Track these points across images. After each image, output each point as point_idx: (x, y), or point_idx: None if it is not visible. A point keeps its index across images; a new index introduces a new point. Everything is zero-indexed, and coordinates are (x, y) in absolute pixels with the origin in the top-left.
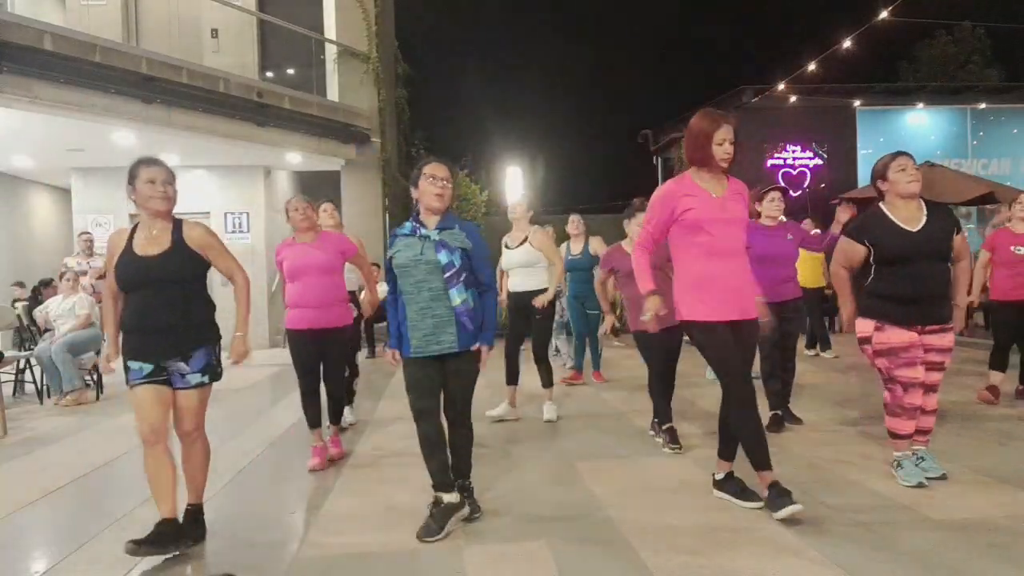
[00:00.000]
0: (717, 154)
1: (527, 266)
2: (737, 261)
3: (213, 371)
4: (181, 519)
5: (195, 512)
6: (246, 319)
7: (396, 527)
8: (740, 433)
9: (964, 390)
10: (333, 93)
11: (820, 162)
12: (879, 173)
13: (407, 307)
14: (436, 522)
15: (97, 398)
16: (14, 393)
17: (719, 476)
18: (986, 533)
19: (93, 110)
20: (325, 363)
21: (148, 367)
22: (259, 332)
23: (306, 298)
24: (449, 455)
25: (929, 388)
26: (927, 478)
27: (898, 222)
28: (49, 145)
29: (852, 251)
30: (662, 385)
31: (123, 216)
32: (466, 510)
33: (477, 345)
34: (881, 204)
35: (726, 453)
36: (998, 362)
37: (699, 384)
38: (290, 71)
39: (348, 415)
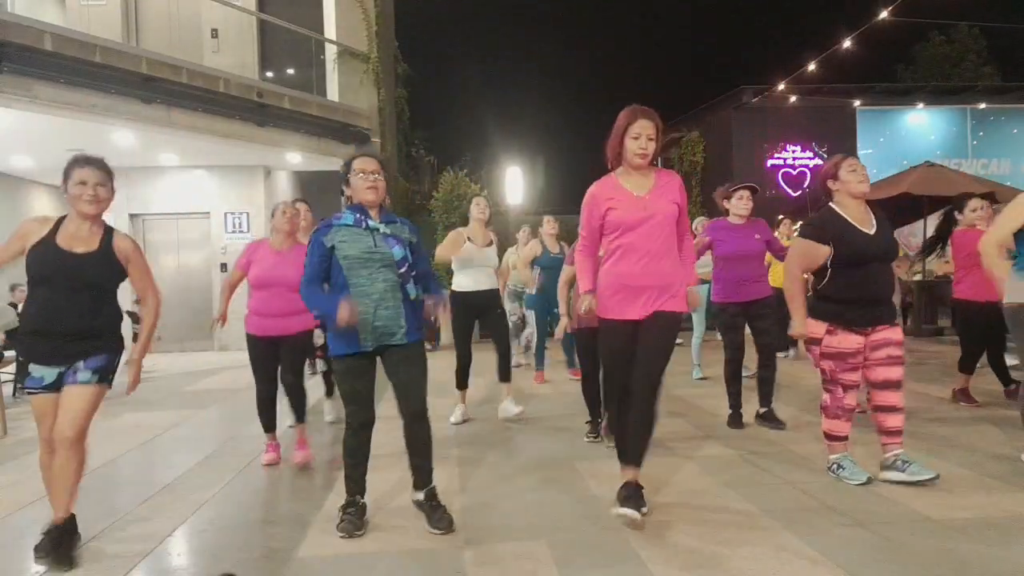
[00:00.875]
0: (631, 148)
1: (489, 267)
2: (658, 262)
3: (105, 375)
4: (52, 535)
5: (66, 527)
6: (146, 344)
7: (395, 527)
8: (614, 425)
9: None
10: (333, 93)
11: (820, 162)
12: (829, 173)
13: (356, 300)
14: (358, 519)
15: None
16: (14, 393)
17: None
18: (986, 533)
19: (93, 110)
20: (283, 361)
21: (51, 375)
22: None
23: (271, 308)
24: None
25: (894, 384)
26: (918, 481)
27: (855, 224)
28: (49, 145)
29: (815, 253)
30: (593, 385)
31: (123, 216)
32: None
33: (433, 301)
34: (832, 205)
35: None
36: (967, 365)
37: (693, 385)
38: (290, 71)
39: (328, 411)
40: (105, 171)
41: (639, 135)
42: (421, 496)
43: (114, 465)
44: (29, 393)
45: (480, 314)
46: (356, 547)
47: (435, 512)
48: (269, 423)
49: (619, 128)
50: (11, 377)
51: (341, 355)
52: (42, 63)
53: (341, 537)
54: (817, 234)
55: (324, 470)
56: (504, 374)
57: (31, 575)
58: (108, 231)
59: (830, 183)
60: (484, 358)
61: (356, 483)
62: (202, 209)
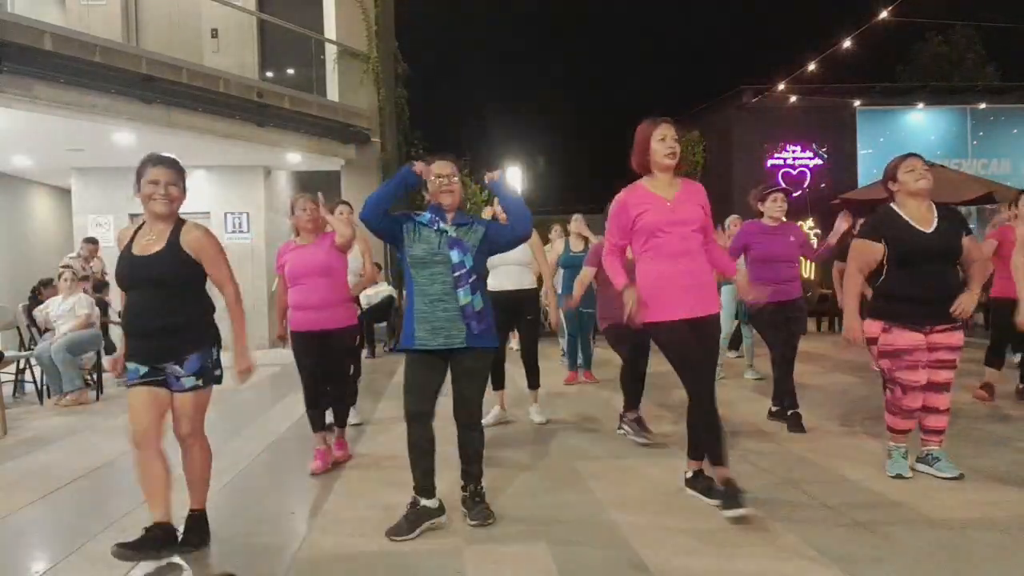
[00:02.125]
0: (660, 150)
1: (522, 264)
2: (691, 261)
3: (208, 374)
4: (183, 525)
5: (196, 518)
6: (242, 334)
7: None
8: (698, 428)
9: (964, 390)
10: (333, 93)
11: (820, 162)
12: (889, 175)
13: (416, 298)
14: (408, 523)
15: (97, 398)
16: (14, 393)
17: (688, 474)
18: (986, 533)
19: (93, 110)
20: (328, 364)
21: (143, 368)
22: (260, 333)
23: (309, 300)
24: (459, 461)
25: (940, 387)
26: (942, 477)
27: (912, 222)
28: (49, 145)
29: (870, 251)
30: (633, 376)
31: (123, 216)
32: (443, 518)
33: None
34: (892, 204)
35: (694, 452)
36: (993, 359)
37: None
38: (290, 71)
39: (352, 415)
40: (177, 170)
41: (664, 137)
42: (467, 493)
43: (114, 465)
44: (128, 386)
45: (513, 317)
46: (356, 547)
47: (476, 507)
48: (318, 421)
49: (643, 136)
50: (11, 377)
51: (406, 348)
52: (42, 63)
53: (387, 536)
54: (871, 233)
55: (329, 472)
56: (531, 382)
57: (31, 575)
58: (178, 226)
59: (890, 185)
60: (515, 360)
61: (417, 481)
62: (202, 209)
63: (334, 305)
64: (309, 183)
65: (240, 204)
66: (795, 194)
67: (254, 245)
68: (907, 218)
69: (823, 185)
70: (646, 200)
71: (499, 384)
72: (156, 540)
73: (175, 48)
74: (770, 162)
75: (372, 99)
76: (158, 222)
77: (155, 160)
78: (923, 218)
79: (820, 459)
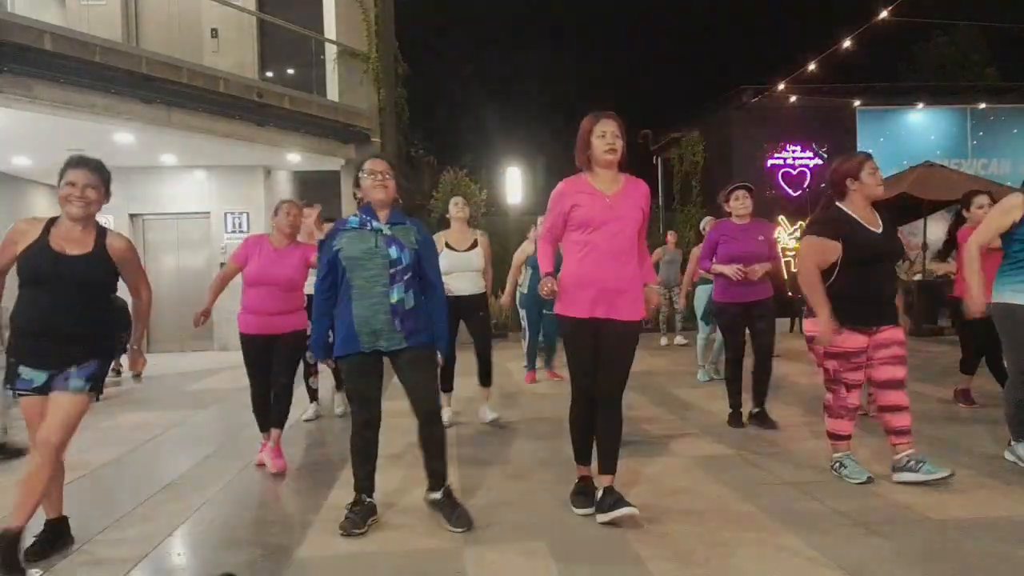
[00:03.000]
0: (599, 146)
1: (475, 270)
2: (616, 260)
3: (97, 383)
4: (38, 535)
5: (17, 537)
6: (143, 334)
7: (395, 527)
8: (573, 431)
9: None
10: (333, 93)
11: (820, 162)
12: (851, 172)
13: (354, 303)
14: (360, 518)
15: (97, 399)
16: (14, 393)
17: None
18: (986, 533)
19: (93, 110)
20: (274, 364)
21: (41, 377)
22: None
23: (264, 306)
24: (428, 458)
25: (898, 384)
26: (934, 479)
27: (863, 223)
28: (49, 145)
29: (827, 248)
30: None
31: (123, 215)
32: (376, 516)
33: (441, 353)
34: (840, 204)
35: (580, 456)
36: (968, 366)
37: (693, 386)
38: (290, 71)
39: (339, 403)
40: (98, 173)
41: (604, 133)
42: (438, 495)
43: (114, 465)
44: (18, 395)
45: (464, 316)
46: (356, 547)
47: (453, 511)
48: (265, 423)
49: (584, 132)
50: (4, 378)
51: (344, 355)
52: (42, 63)
53: (340, 535)
54: (828, 231)
55: (325, 468)
56: (484, 378)
57: (31, 575)
58: (101, 232)
59: (849, 182)
60: (469, 359)
61: (361, 482)
62: (202, 209)
63: (287, 313)
64: (309, 183)
65: (240, 204)
66: (795, 194)
67: None
68: (857, 218)
69: (823, 185)
70: (585, 193)
71: (448, 386)
72: (50, 537)
73: (175, 48)
74: (770, 162)
75: (372, 99)
76: (76, 224)
77: (76, 162)
78: (870, 219)
79: (819, 459)
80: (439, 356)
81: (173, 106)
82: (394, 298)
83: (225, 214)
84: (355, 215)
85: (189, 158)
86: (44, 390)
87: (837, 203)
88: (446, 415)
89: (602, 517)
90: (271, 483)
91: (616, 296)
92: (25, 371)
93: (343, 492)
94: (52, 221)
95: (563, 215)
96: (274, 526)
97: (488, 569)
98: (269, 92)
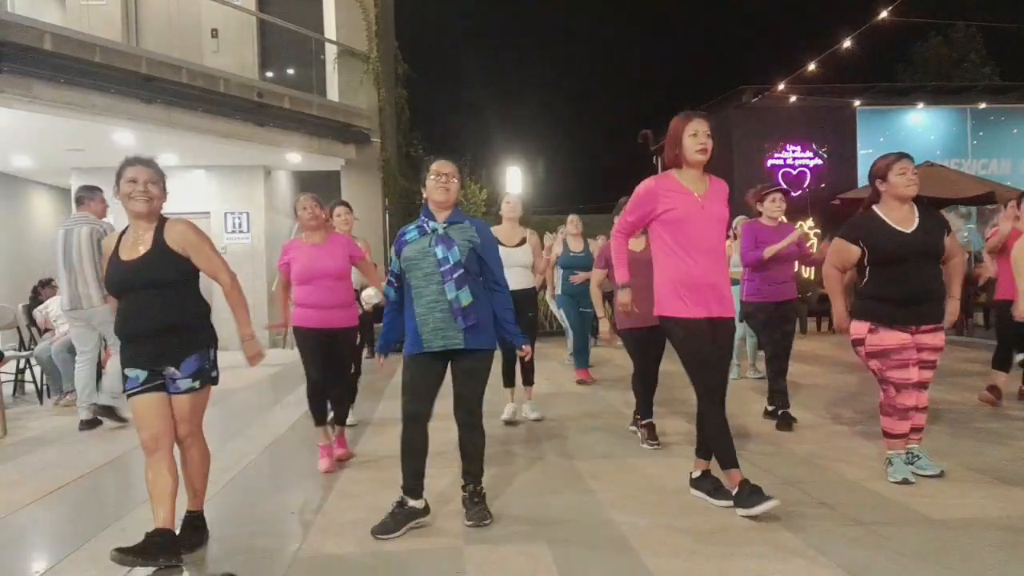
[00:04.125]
0: (691, 146)
1: (524, 266)
2: (714, 259)
3: (206, 376)
4: (179, 527)
5: (194, 519)
6: (247, 319)
7: None
8: (708, 431)
9: (964, 391)
10: (333, 93)
11: (820, 162)
12: (879, 173)
13: (415, 302)
14: (395, 522)
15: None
16: (14, 393)
17: (695, 474)
18: (986, 533)
19: (93, 110)
20: (332, 363)
21: (143, 374)
22: (258, 333)
23: (318, 300)
24: (459, 460)
25: (920, 386)
26: (923, 475)
27: (891, 223)
28: (49, 145)
29: (846, 252)
30: (645, 382)
31: (122, 215)
32: (428, 518)
33: (523, 344)
34: (875, 206)
35: (702, 452)
36: (1001, 362)
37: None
38: (290, 71)
39: (349, 415)
40: (155, 169)
41: (696, 132)
42: (466, 493)
43: (114, 465)
44: (129, 395)
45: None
46: (356, 547)
47: (474, 507)
48: (320, 416)
49: (676, 131)
50: (11, 377)
51: (411, 354)
52: (42, 63)
53: (372, 535)
54: (848, 235)
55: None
56: (527, 377)
57: (31, 575)
58: (161, 225)
59: (878, 183)
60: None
61: (406, 480)
62: (202, 209)
63: (341, 306)
64: (309, 183)
65: (240, 204)
66: (795, 194)
67: (254, 245)
68: (886, 219)
69: (823, 185)
70: (676, 192)
71: (510, 382)
72: (157, 546)
73: (175, 48)
74: (770, 162)
75: (372, 99)
76: (140, 222)
77: (133, 160)
78: (903, 218)
79: (820, 459)
80: (524, 348)
81: (173, 106)
82: (449, 296)
83: (225, 214)
84: (416, 221)
85: (189, 158)
86: (151, 385)
87: (873, 205)
88: (508, 411)
89: (746, 512)
90: (271, 483)
91: (717, 294)
92: (129, 372)
93: (343, 492)
94: (124, 231)
95: (652, 213)
96: (274, 526)
97: (488, 569)
98: (269, 92)
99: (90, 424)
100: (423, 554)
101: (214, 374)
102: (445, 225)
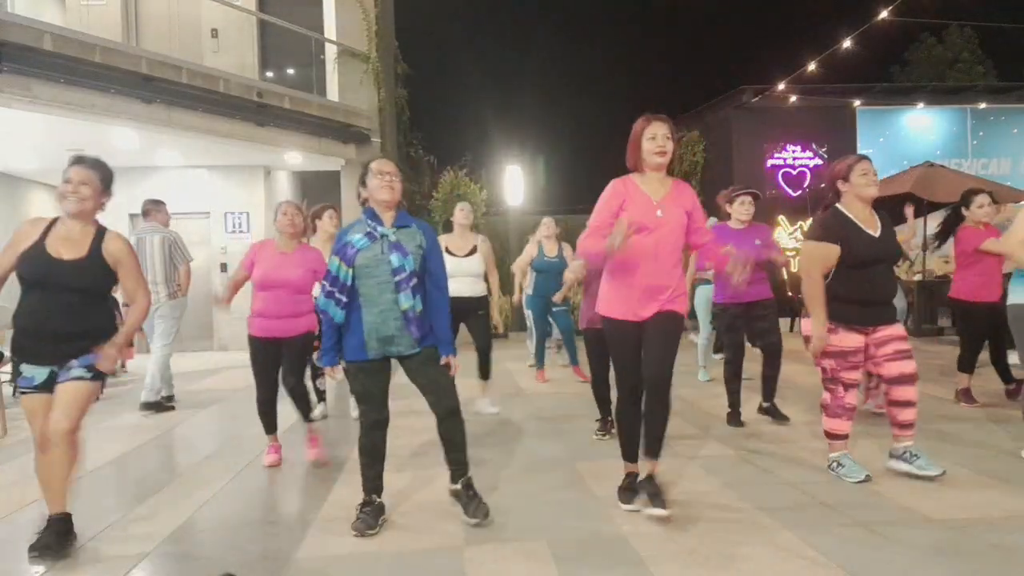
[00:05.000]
0: (649, 149)
1: (476, 275)
2: (660, 265)
3: (99, 372)
4: (51, 528)
5: (61, 522)
6: (129, 334)
7: (396, 527)
8: (618, 426)
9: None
10: (333, 93)
11: (820, 162)
12: (841, 174)
13: (364, 309)
14: (372, 518)
15: (97, 399)
16: (14, 393)
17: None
18: (986, 533)
19: (93, 110)
20: (284, 363)
21: (41, 375)
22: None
23: (273, 310)
24: (451, 452)
25: (908, 378)
26: (923, 475)
27: (861, 225)
28: (49, 145)
29: (828, 253)
30: (602, 383)
31: (123, 216)
32: (386, 515)
33: (445, 357)
34: (839, 205)
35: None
36: (967, 364)
37: (694, 385)
38: (290, 71)
39: (320, 409)
40: (95, 170)
41: (655, 135)
42: (458, 487)
43: (114, 465)
44: (21, 392)
45: (463, 317)
46: (356, 547)
47: (471, 502)
48: (269, 425)
49: (636, 134)
50: (11, 377)
51: (353, 361)
52: (42, 63)
53: (354, 535)
54: (828, 234)
55: (326, 469)
56: (483, 372)
57: (31, 575)
58: (99, 234)
59: (840, 184)
60: (468, 359)
61: (371, 483)
62: (202, 209)
63: (294, 316)
64: (309, 183)
65: (240, 204)
66: (795, 194)
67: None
68: (855, 220)
69: (823, 185)
70: (633, 195)
71: (485, 374)
72: (62, 530)
73: (175, 48)
74: (770, 162)
75: (372, 99)
76: (74, 223)
77: (74, 160)
78: (868, 221)
79: (820, 459)
80: (452, 360)
81: (173, 106)
82: (404, 305)
83: (225, 214)
84: (359, 221)
85: (189, 158)
86: (46, 387)
87: (836, 205)
88: (486, 406)
89: (624, 506)
90: (271, 483)
91: (660, 295)
92: (26, 368)
93: (343, 492)
94: (54, 222)
95: (613, 214)
96: (274, 526)
97: (488, 569)
98: (269, 92)
99: (154, 407)
100: (423, 554)
101: (105, 377)
102: (395, 229)
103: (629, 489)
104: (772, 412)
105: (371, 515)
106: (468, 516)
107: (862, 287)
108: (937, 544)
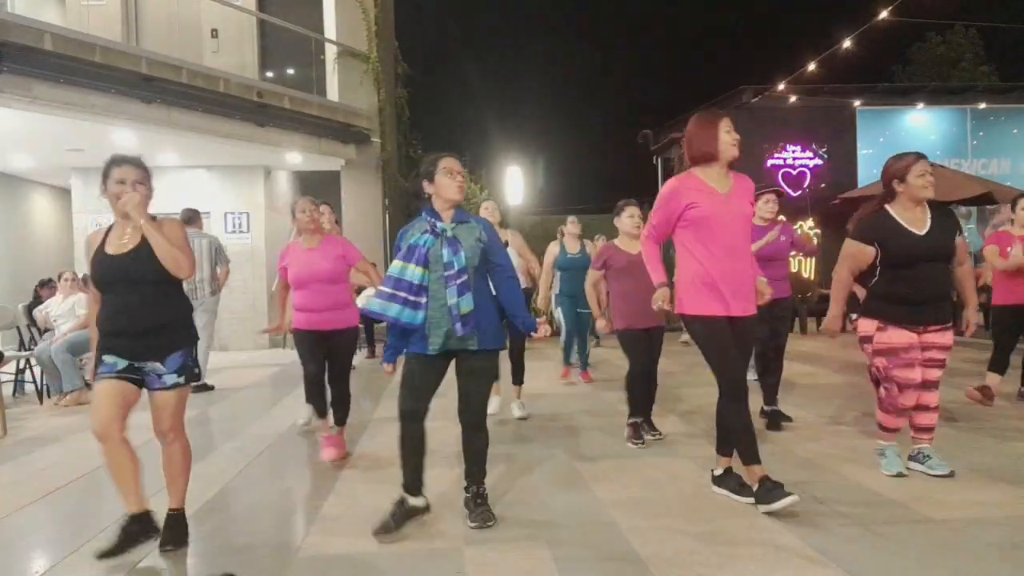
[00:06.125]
0: (728, 140)
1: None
2: (739, 258)
3: (189, 372)
4: (162, 524)
5: (176, 518)
6: (152, 228)
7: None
8: (731, 428)
9: (963, 391)
10: (333, 93)
11: (820, 162)
12: (898, 174)
13: (429, 304)
14: (395, 521)
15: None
16: (14, 393)
17: (718, 472)
18: (986, 533)
19: (93, 110)
20: (331, 364)
21: (122, 363)
22: (258, 338)
23: (313, 303)
24: (462, 461)
25: (931, 385)
26: (933, 475)
27: (904, 224)
28: (49, 145)
29: (861, 254)
30: (641, 382)
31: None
32: (427, 515)
33: (534, 329)
34: (887, 206)
35: (724, 449)
36: (997, 364)
37: (697, 384)
38: (290, 71)
39: (305, 414)
40: (143, 168)
41: (729, 128)
42: (469, 494)
43: None
44: (99, 378)
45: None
46: (357, 547)
47: (476, 508)
48: (321, 408)
49: (710, 127)
50: (11, 377)
51: (413, 352)
52: (42, 63)
53: (372, 534)
54: (863, 236)
55: (325, 468)
56: (516, 376)
57: (31, 575)
58: (151, 222)
59: (895, 184)
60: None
61: (405, 478)
62: (202, 209)
63: (338, 308)
64: (309, 183)
65: (240, 204)
66: (795, 194)
67: (254, 245)
68: (900, 220)
69: (823, 185)
70: (701, 191)
71: (518, 379)
72: (135, 535)
73: (175, 48)
74: (770, 162)
75: (372, 99)
76: (127, 220)
77: (120, 160)
78: (916, 220)
79: (820, 459)
80: (536, 333)
81: (173, 106)
82: (449, 301)
83: (225, 214)
84: (420, 218)
85: (189, 158)
86: (126, 375)
87: (885, 205)
88: (495, 404)
89: (767, 508)
90: (272, 482)
91: (740, 293)
92: (108, 357)
93: (343, 492)
94: (110, 229)
95: (678, 213)
96: (274, 526)
97: (488, 569)
98: (269, 92)
99: (199, 388)
100: (423, 554)
101: (196, 371)
102: (453, 225)
103: (741, 486)
104: (775, 416)
105: (393, 517)
106: (470, 520)
107: (906, 285)
108: (937, 544)
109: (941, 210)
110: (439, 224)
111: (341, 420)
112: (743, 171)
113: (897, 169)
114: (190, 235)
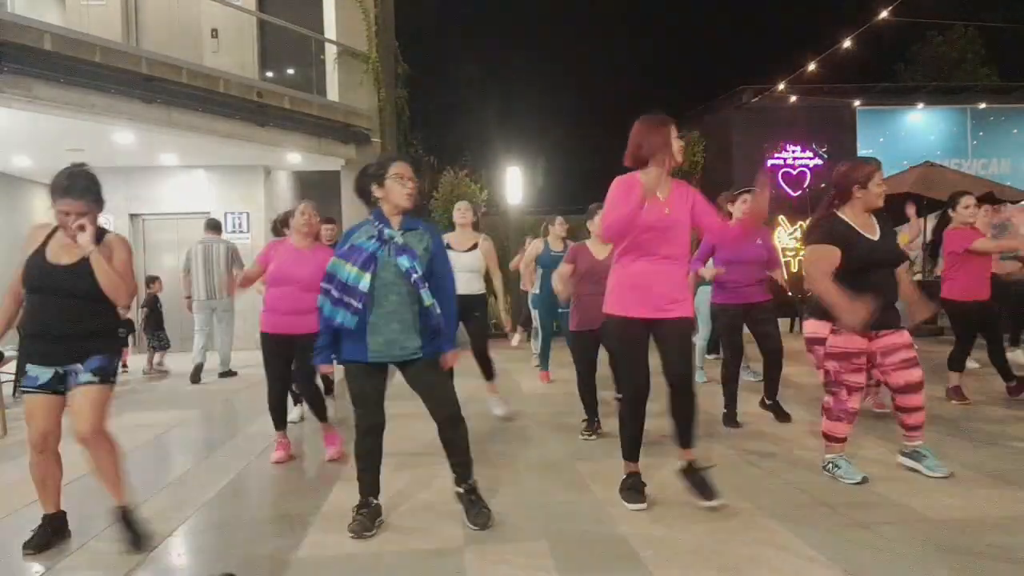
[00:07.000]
0: (678, 147)
1: (473, 271)
2: (668, 263)
3: (105, 374)
4: (117, 521)
5: (126, 514)
6: (100, 261)
7: (396, 528)
8: (624, 426)
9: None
10: (333, 93)
11: (820, 162)
12: (861, 180)
13: (368, 311)
14: (369, 520)
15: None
16: (14, 393)
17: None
18: (986, 533)
19: (93, 110)
20: (298, 365)
21: (45, 375)
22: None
23: (282, 305)
24: (447, 460)
25: (916, 387)
26: (931, 476)
27: (859, 230)
28: (49, 145)
29: (832, 255)
30: (587, 383)
31: (123, 216)
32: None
33: (450, 351)
34: (839, 212)
35: (630, 452)
36: (958, 363)
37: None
38: (290, 71)
39: (296, 412)
40: (88, 197)
41: (677, 135)
42: (462, 490)
43: None
44: (23, 392)
45: (462, 317)
46: (357, 547)
47: (474, 507)
48: (278, 421)
49: (662, 132)
50: (11, 377)
51: (350, 361)
52: (42, 63)
53: (351, 537)
54: (827, 239)
55: (325, 470)
56: (486, 374)
57: (31, 575)
58: (98, 238)
59: (856, 189)
60: (468, 360)
61: (368, 485)
62: (202, 209)
63: (305, 313)
64: (309, 183)
65: (240, 204)
66: (795, 194)
67: (254, 245)
68: (854, 225)
69: (823, 185)
70: (641, 193)
71: (489, 374)
72: (51, 532)
73: (175, 48)
74: (770, 162)
75: (372, 99)
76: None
77: (63, 189)
78: (868, 225)
79: (819, 459)
80: (450, 355)
81: (173, 106)
82: (427, 301)
83: (225, 214)
84: (366, 223)
85: (189, 158)
86: (48, 388)
87: (835, 210)
88: (496, 407)
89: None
90: (271, 483)
91: (669, 298)
92: (31, 368)
93: (343, 492)
94: (56, 229)
95: (641, 203)
96: (274, 526)
97: (488, 570)
98: (269, 92)
99: (227, 375)
100: (423, 554)
101: (112, 378)
102: (401, 232)
103: (634, 489)
104: (775, 409)
105: (368, 517)
106: (469, 521)
107: (863, 291)
108: (937, 544)
109: (882, 216)
110: (387, 230)
111: (322, 417)
112: (744, 171)
113: (861, 175)
114: (207, 240)
